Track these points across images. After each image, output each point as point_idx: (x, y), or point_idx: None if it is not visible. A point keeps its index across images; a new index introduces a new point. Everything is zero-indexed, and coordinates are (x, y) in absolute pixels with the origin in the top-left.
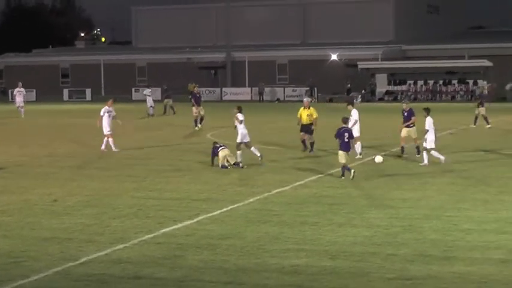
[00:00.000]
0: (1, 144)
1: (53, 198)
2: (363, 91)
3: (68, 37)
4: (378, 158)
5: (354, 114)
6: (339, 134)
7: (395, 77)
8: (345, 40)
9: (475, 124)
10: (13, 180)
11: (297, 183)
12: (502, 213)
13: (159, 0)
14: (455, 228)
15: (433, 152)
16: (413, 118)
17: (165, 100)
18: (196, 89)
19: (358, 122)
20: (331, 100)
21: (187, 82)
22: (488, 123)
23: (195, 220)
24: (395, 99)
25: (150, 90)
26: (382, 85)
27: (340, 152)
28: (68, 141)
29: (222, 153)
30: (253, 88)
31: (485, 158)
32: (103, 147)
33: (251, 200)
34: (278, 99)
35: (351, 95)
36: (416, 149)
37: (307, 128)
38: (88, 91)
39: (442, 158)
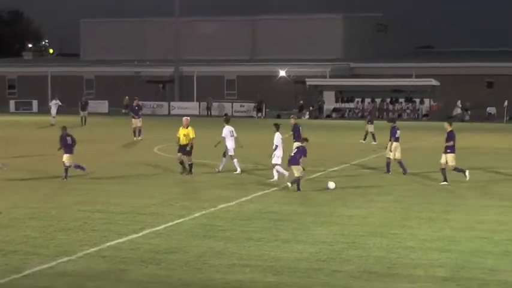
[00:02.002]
0: None
1: None
2: (311, 108)
3: (16, 48)
4: (331, 184)
5: (276, 138)
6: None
7: (343, 95)
8: (294, 57)
9: (364, 140)
10: None
11: (243, 198)
12: (446, 232)
13: (108, 13)
14: (399, 246)
15: (278, 168)
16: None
17: (81, 112)
18: (136, 102)
19: (280, 146)
20: (279, 116)
21: (135, 95)
22: (375, 140)
23: (140, 234)
24: (342, 117)
25: (57, 101)
26: (330, 102)
27: (293, 167)
28: (13, 153)
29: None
30: (201, 103)
31: (429, 176)
32: None
33: (197, 214)
34: (226, 114)
35: (303, 111)
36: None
37: (184, 149)
38: (35, 102)
39: (286, 173)
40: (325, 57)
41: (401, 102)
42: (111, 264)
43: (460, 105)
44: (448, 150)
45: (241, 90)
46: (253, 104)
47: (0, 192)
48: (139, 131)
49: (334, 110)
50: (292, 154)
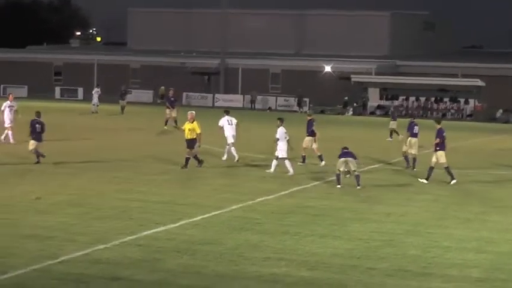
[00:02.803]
0: None
1: (36, 196)
2: (355, 104)
3: (63, 35)
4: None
5: (280, 131)
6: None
7: (388, 92)
8: (340, 53)
9: (391, 137)
10: None
11: (282, 192)
12: (483, 233)
13: (155, 3)
14: (435, 245)
15: (286, 162)
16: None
17: (121, 101)
18: (171, 93)
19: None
20: (322, 112)
21: (180, 86)
22: (392, 136)
23: (177, 224)
24: (386, 114)
25: (98, 89)
26: (374, 99)
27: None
28: (56, 139)
29: None
30: (245, 96)
31: (469, 176)
32: (2, 138)
33: (234, 207)
34: (270, 108)
35: (347, 107)
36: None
37: (189, 143)
38: (80, 90)
39: (291, 170)
40: (371, 54)
41: (445, 102)
42: (147, 253)
43: None
44: (437, 148)
45: (285, 84)
46: (293, 98)
47: (40, 178)
48: (175, 121)
49: (378, 107)
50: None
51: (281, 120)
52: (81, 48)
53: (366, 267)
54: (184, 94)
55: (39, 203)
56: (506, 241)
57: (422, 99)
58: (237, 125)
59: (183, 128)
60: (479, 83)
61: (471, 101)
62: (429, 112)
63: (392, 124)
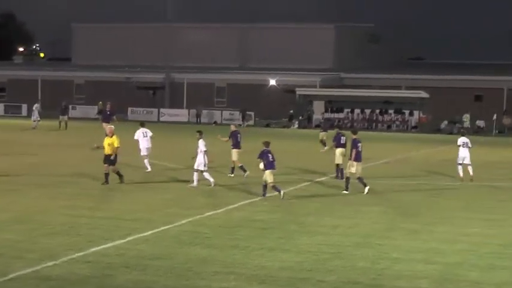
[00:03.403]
0: None
1: None
2: (300, 117)
3: (6, 51)
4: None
5: (200, 144)
6: (262, 155)
7: (333, 105)
8: (284, 66)
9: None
10: None
11: (230, 206)
12: (431, 244)
13: (99, 18)
14: (384, 257)
15: (206, 174)
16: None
17: (61, 117)
18: (108, 106)
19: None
20: (268, 125)
21: (125, 101)
22: (325, 146)
23: (126, 240)
24: (331, 127)
25: (38, 105)
26: (319, 112)
27: (267, 172)
28: (2, 156)
29: None
30: (190, 110)
31: (418, 187)
32: None
33: (183, 221)
34: (215, 122)
35: (293, 121)
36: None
37: (108, 159)
38: (24, 106)
39: (212, 181)
40: (316, 66)
41: (390, 114)
42: (96, 270)
43: (469, 118)
44: (353, 159)
45: (231, 98)
46: (238, 112)
47: None
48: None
49: (325, 119)
50: (271, 159)
51: (200, 133)
52: (25, 64)
53: (316, 280)
54: (130, 109)
55: None
56: (454, 252)
57: (368, 111)
58: (152, 137)
59: (102, 145)
60: (423, 94)
61: (416, 113)
62: (374, 124)
63: (323, 135)
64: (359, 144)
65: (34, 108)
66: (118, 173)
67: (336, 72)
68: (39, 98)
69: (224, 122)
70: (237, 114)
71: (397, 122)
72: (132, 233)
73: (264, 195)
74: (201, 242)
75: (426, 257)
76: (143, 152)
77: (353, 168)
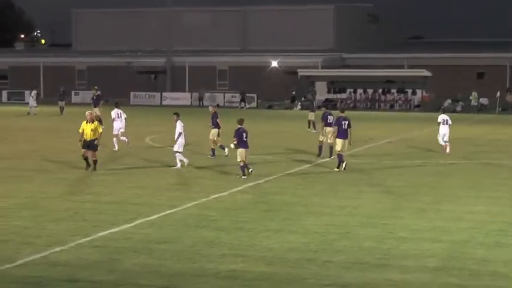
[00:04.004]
0: None
1: None
2: (302, 99)
3: (7, 38)
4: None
5: (178, 126)
6: (237, 133)
7: (335, 85)
8: (286, 47)
9: (308, 128)
10: None
11: (235, 189)
12: (437, 222)
13: (99, 3)
14: (390, 236)
15: (178, 155)
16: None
17: (60, 102)
18: (95, 92)
19: (182, 134)
20: (270, 107)
21: (127, 86)
22: (315, 128)
23: (132, 224)
24: (334, 108)
25: (35, 92)
26: (321, 93)
27: (239, 150)
28: (2, 143)
29: None
30: (193, 93)
31: (421, 167)
32: None
33: (189, 205)
34: (218, 105)
35: (295, 102)
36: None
37: (92, 144)
38: (27, 93)
39: (185, 161)
40: (317, 47)
41: (393, 93)
42: (104, 254)
43: (477, 97)
44: (337, 136)
45: (233, 80)
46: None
47: None
48: (100, 120)
49: (326, 100)
50: (244, 139)
51: (177, 114)
52: (26, 51)
53: (323, 261)
54: (132, 93)
55: None
56: (460, 230)
57: (370, 91)
58: (126, 120)
59: (80, 130)
60: (426, 73)
61: (418, 92)
62: (377, 104)
63: (311, 116)
64: (344, 122)
65: (32, 94)
66: (94, 161)
67: (338, 53)
68: (40, 84)
69: (227, 104)
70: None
71: (400, 102)
72: (138, 217)
73: (243, 174)
74: (207, 225)
75: (433, 235)
76: (115, 132)
77: (337, 146)
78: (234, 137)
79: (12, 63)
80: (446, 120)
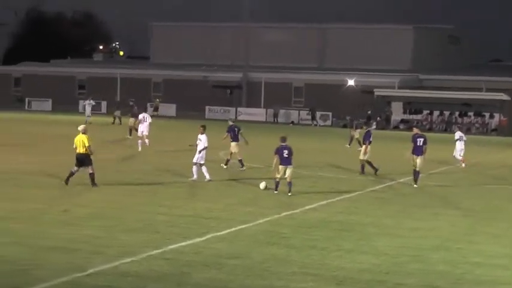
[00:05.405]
0: (12, 152)
1: (64, 209)
2: (378, 118)
3: (86, 49)
4: (262, 185)
5: (204, 139)
6: (278, 150)
7: (411, 106)
8: (363, 66)
9: (349, 145)
10: (23, 188)
11: (307, 206)
12: (511, 249)
13: (177, 17)
14: (464, 261)
15: (202, 168)
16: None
17: (115, 112)
18: (157, 103)
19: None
20: (345, 126)
21: (202, 100)
22: (355, 145)
23: (204, 238)
24: (410, 128)
25: (90, 101)
26: (397, 113)
27: (280, 167)
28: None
29: None
30: (268, 109)
31: (496, 190)
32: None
33: (260, 221)
34: (292, 122)
35: (370, 121)
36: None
37: (83, 159)
38: (104, 104)
39: (207, 176)
40: (394, 67)
41: (470, 116)
42: (174, 267)
43: None
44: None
45: (308, 98)
46: (319, 113)
47: (65, 190)
48: (136, 130)
49: (402, 121)
50: (286, 156)
51: (204, 127)
52: (104, 62)
53: (394, 283)
54: (207, 108)
55: (65, 216)
56: None
57: (446, 113)
58: (150, 124)
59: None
60: (504, 97)
61: (496, 115)
62: (453, 126)
63: (356, 134)
64: (419, 140)
65: (86, 104)
66: (91, 174)
67: (415, 74)
68: (117, 95)
69: (301, 122)
70: (316, 115)
71: (477, 125)
72: (209, 232)
73: (275, 189)
74: (278, 242)
75: (508, 262)
76: (139, 134)
77: (413, 162)
78: (275, 153)
79: (90, 74)
80: (462, 136)
